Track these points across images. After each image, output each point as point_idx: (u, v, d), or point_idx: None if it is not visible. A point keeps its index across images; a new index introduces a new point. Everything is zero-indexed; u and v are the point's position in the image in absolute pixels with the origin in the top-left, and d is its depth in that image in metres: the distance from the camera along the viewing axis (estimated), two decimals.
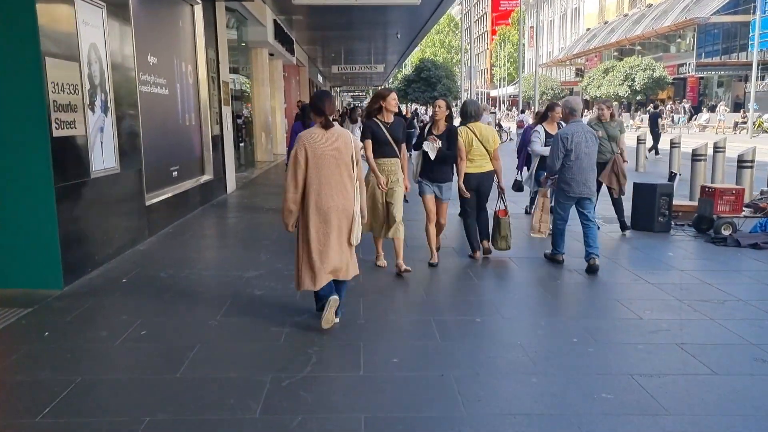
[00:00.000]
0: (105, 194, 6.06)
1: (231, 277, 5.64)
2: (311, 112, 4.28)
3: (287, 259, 6.18)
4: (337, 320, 4.32)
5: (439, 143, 5.78)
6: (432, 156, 5.78)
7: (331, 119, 4.21)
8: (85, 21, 5.70)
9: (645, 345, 3.98)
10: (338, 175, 4.14)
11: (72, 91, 5.37)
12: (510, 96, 73.75)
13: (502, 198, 6.27)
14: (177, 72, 8.96)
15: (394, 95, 5.70)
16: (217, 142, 10.71)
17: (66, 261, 5.22)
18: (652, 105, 28.32)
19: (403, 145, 5.79)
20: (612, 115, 7.50)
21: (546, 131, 7.48)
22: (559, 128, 7.08)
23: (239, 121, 14.88)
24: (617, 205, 7.60)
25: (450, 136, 5.84)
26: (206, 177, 10.15)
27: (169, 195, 8.18)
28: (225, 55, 11.42)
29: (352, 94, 66.63)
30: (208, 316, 4.56)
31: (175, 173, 8.72)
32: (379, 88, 60.21)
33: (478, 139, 6.03)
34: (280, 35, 18.39)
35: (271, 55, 18.82)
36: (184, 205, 8.72)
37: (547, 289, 5.34)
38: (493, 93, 74.58)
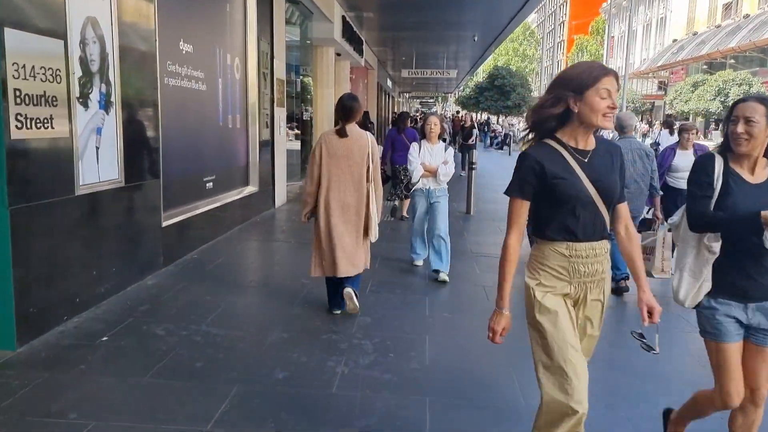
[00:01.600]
0: (98, 215, 4.64)
1: (246, 343, 4.08)
2: (340, 115, 4.45)
3: (329, 315, 4.61)
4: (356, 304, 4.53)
5: None
6: None
7: (347, 125, 4.43)
8: None
9: None
10: (348, 174, 4.40)
11: (50, 78, 3.95)
12: None
13: None
14: (220, 65, 7.57)
15: (612, 79, 2.18)
16: (267, 147, 9.30)
17: (23, 312, 3.79)
18: None
19: (625, 208, 2.41)
20: None
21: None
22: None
23: (293, 123, 13.51)
24: None
25: None
26: (250, 188, 8.73)
27: (199, 212, 6.76)
28: (282, 49, 10.02)
29: (421, 100, 64.97)
30: (195, 419, 3.00)
31: (209, 185, 7.31)
32: (449, 95, 58.14)
33: None
34: (349, 33, 17.00)
35: (338, 55, 17.46)
36: (217, 223, 7.30)
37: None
38: None
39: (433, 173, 5.75)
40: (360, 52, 19.62)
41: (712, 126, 44.12)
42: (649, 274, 5.18)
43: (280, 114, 10.01)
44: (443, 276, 5.68)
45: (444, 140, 5.68)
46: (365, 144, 4.41)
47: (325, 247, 4.44)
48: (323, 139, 4.45)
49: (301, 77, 15.31)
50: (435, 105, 65.82)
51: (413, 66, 27.27)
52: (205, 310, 4.69)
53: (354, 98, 4.47)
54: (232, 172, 8.23)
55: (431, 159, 5.79)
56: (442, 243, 5.72)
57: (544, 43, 35.23)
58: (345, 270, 4.41)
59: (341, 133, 4.40)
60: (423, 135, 6.01)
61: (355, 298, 4.46)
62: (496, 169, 18.83)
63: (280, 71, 9.92)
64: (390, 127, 17.37)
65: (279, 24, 9.73)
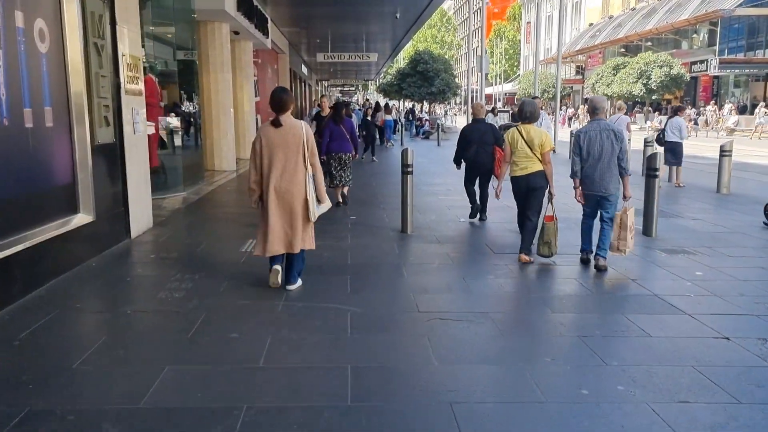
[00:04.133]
0: None
1: None
2: (270, 106, 4.75)
3: None
4: (297, 286, 4.94)
5: None
6: None
7: (281, 116, 4.74)
8: None
9: None
10: (285, 162, 4.70)
11: None
12: (506, 93, 69.66)
13: (551, 204, 5.95)
14: (3, 31, 4.64)
15: None
16: (109, 154, 6.38)
17: None
18: None
19: None
20: None
21: None
22: None
23: (173, 117, 10.51)
24: None
25: None
26: (81, 217, 5.81)
27: None
28: (132, 10, 7.05)
29: (341, 88, 61.94)
30: None
31: None
32: (371, 82, 57.00)
33: (525, 141, 5.87)
34: (247, 7, 14.06)
35: (236, 33, 14.52)
36: (11, 282, 4.40)
37: None
38: (488, 90, 70.21)
39: None
40: (264, 31, 16.68)
41: (636, 108, 43.72)
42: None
43: (135, 105, 7.06)
44: None
45: None
46: (299, 132, 4.71)
47: (267, 230, 4.73)
48: (261, 131, 4.78)
49: (191, 58, 12.29)
50: (356, 93, 63.07)
51: (329, 49, 24.55)
52: None
53: (285, 91, 4.82)
54: (44, 195, 5.30)
55: None
56: None
57: (471, 26, 33.11)
58: (277, 249, 4.77)
59: (276, 124, 4.71)
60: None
61: (278, 275, 4.90)
62: (427, 163, 16.37)
63: (132, 44, 6.97)
64: (308, 117, 15.60)
65: None
